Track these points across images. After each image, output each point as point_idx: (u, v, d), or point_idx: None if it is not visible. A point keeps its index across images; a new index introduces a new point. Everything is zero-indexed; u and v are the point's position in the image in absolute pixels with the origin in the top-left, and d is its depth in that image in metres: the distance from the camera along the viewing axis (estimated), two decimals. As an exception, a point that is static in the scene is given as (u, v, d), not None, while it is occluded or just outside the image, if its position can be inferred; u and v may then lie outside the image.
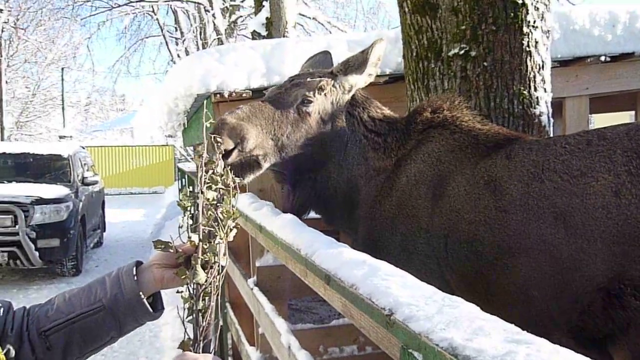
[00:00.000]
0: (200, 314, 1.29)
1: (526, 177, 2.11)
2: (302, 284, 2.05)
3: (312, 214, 2.82)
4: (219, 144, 1.62)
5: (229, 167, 1.61)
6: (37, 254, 8.86)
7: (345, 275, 1.47)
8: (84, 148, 13.64)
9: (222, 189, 1.43)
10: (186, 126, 6.68)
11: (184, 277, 1.35)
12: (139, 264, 1.55)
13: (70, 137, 27.28)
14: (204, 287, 1.31)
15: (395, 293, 1.21)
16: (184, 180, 13.69)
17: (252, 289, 3.33)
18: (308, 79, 2.51)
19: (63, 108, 31.34)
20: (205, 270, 1.33)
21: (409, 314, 1.09)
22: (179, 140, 12.11)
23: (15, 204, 8.85)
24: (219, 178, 1.43)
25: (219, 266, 1.35)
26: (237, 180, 1.48)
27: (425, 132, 2.49)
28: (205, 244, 1.35)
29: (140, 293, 1.47)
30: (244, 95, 4.28)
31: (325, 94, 2.49)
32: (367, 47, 2.51)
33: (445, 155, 2.37)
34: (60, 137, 26.56)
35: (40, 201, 9.14)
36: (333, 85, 2.52)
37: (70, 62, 31.73)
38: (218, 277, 1.34)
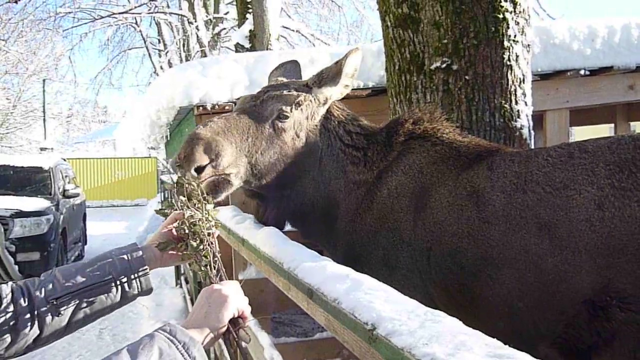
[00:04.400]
0: (208, 267, 1.59)
1: (509, 188, 2.12)
2: (285, 297, 2.03)
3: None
4: (193, 161, 2.02)
5: (202, 184, 1.87)
6: (16, 267, 8.73)
7: (328, 290, 1.46)
8: (65, 160, 13.54)
9: (199, 201, 1.70)
10: (169, 138, 6.66)
11: (186, 252, 1.66)
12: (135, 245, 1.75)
13: (52, 149, 26.99)
14: (203, 251, 1.61)
15: (378, 308, 1.20)
16: (166, 192, 13.60)
17: (235, 302, 3.30)
18: (284, 92, 2.39)
19: (44, 120, 31.05)
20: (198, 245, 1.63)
21: (391, 328, 1.09)
22: (162, 152, 12.03)
23: (-6, 217, 8.72)
24: (195, 200, 1.70)
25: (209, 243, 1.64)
26: (209, 198, 1.74)
27: (406, 143, 2.47)
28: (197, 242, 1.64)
29: (147, 269, 1.68)
30: (226, 107, 4.27)
31: (301, 109, 2.39)
32: (342, 57, 2.41)
33: (427, 167, 2.36)
34: (41, 149, 26.25)
35: (20, 214, 9.02)
36: (309, 99, 2.43)
37: (52, 73, 31.50)
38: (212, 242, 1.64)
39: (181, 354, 1.22)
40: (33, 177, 10.80)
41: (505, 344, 0.99)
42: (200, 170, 2.10)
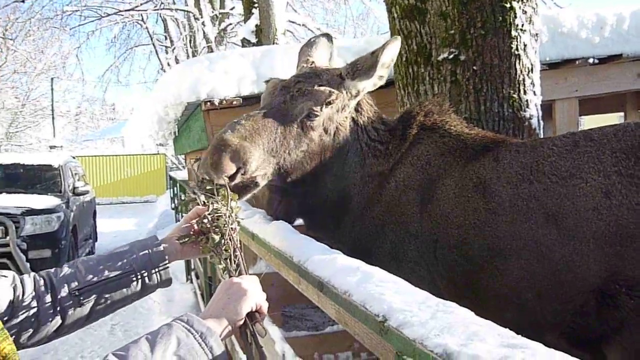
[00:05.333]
0: (229, 261, 1.61)
1: (515, 178, 2.11)
2: (295, 291, 2.04)
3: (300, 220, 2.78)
4: (221, 171, 1.99)
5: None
6: (28, 265, 8.79)
7: (338, 282, 1.47)
8: (74, 158, 13.59)
9: (224, 197, 1.72)
10: (177, 134, 6.67)
11: (206, 246, 1.68)
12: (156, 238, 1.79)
13: (61, 147, 27.13)
14: (224, 245, 1.62)
15: (388, 299, 1.20)
16: (175, 188, 13.63)
17: (245, 297, 3.30)
18: (316, 87, 2.27)
19: (53, 118, 31.21)
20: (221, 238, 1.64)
21: (402, 320, 1.09)
22: (170, 148, 12.04)
23: (5, 215, 8.76)
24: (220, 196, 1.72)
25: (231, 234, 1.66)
26: (234, 196, 1.74)
27: (417, 135, 2.45)
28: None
29: (167, 262, 1.72)
30: (234, 102, 4.28)
31: (332, 106, 2.30)
32: (379, 47, 2.28)
33: (435, 159, 2.35)
34: (51, 147, 26.41)
35: (31, 212, 9.07)
36: (341, 96, 2.33)
37: (60, 71, 31.68)
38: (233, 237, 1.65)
39: (198, 343, 1.24)
40: (43, 175, 10.85)
41: (513, 334, 0.99)
42: (230, 178, 2.04)
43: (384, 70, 2.34)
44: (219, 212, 1.67)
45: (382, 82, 2.39)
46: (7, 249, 8.63)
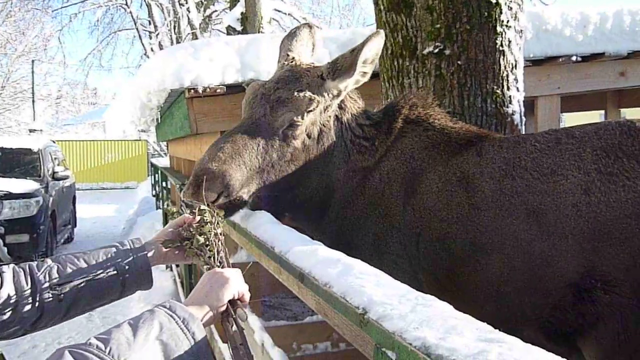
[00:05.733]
0: (212, 259, 1.66)
1: (498, 174, 2.13)
2: (276, 280, 2.04)
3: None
4: (203, 199, 2.00)
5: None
6: (5, 249, 8.70)
7: (319, 274, 1.47)
8: (54, 142, 13.47)
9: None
10: (159, 121, 6.62)
11: (191, 248, 1.74)
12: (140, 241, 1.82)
13: (41, 130, 26.78)
14: (208, 246, 1.68)
15: (369, 292, 1.21)
16: (157, 175, 13.53)
17: (225, 286, 3.30)
18: (295, 94, 2.24)
19: (33, 101, 30.73)
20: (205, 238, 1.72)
21: (382, 312, 1.09)
22: (152, 135, 11.95)
23: (-18, 199, 8.67)
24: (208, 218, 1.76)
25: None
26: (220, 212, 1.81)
27: (401, 128, 2.44)
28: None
29: (150, 267, 1.75)
30: (218, 90, 4.25)
31: (313, 112, 2.28)
32: (358, 44, 2.23)
33: (419, 152, 2.35)
34: (30, 131, 26.05)
35: (9, 196, 8.97)
36: (322, 100, 2.30)
37: (41, 54, 31.20)
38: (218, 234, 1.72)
39: (180, 328, 1.25)
40: (22, 159, 10.73)
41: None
42: (213, 202, 2.09)
43: (367, 67, 2.30)
44: (205, 219, 1.73)
45: (366, 79, 2.35)
46: (-17, 233, 8.54)
